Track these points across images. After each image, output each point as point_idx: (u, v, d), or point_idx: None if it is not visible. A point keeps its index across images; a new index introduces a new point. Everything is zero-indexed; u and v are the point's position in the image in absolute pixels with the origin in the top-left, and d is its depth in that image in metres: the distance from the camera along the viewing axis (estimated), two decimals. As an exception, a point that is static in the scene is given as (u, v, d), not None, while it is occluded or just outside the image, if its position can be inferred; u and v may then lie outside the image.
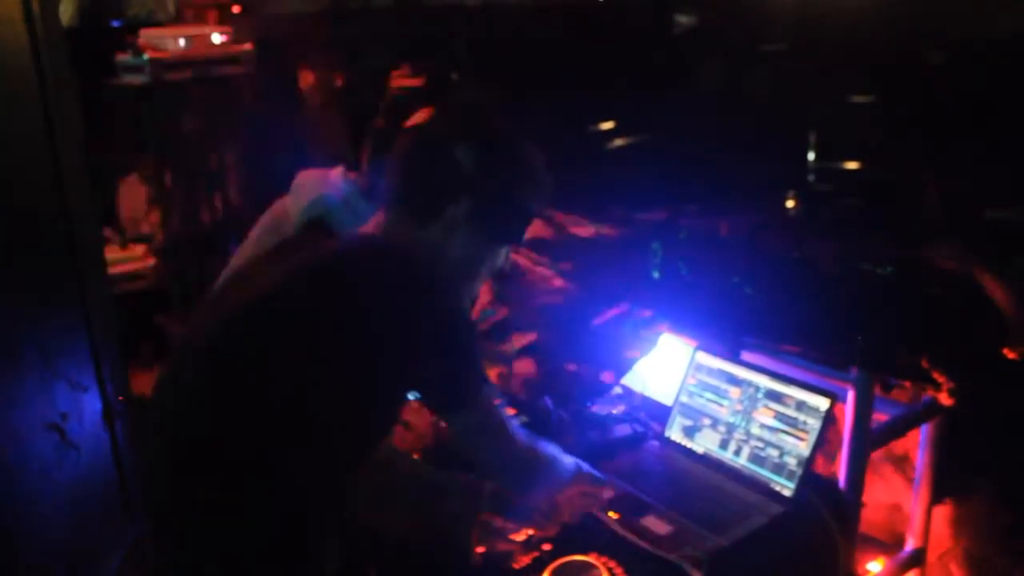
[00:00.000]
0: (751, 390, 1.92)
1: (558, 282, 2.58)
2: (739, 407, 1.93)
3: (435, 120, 1.58)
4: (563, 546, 1.62)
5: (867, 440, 1.93)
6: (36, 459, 0.76)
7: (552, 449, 1.68)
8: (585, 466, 1.74)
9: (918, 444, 2.21)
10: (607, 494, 1.74)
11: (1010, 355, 2.10)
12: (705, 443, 1.96)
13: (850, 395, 1.90)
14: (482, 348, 1.52)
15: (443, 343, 1.39)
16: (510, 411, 2.07)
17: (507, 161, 1.49)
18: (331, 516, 1.41)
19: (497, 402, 1.54)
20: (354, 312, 1.33)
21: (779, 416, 1.85)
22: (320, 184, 1.99)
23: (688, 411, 2.02)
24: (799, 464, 1.78)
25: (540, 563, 1.59)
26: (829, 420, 1.79)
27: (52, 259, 0.86)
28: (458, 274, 1.50)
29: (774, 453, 1.83)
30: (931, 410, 2.11)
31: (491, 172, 1.46)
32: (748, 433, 1.89)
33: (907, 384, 2.10)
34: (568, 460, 1.71)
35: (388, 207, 1.50)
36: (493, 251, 1.54)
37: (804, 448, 1.78)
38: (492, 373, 2.12)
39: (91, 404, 0.86)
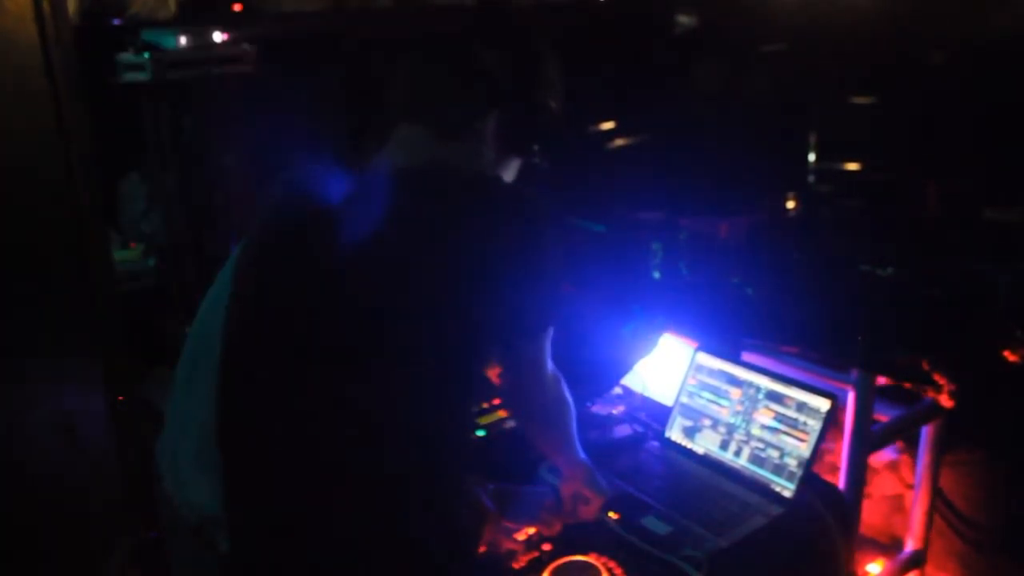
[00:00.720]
0: (751, 391, 1.92)
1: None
2: (739, 408, 1.93)
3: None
4: (563, 546, 1.62)
5: (867, 440, 1.93)
6: (43, 458, 0.77)
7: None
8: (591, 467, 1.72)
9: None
10: (603, 503, 1.70)
11: (1011, 357, 2.10)
12: (705, 444, 1.96)
13: (850, 396, 1.90)
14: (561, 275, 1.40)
15: (529, 260, 1.29)
16: (503, 413, 2.09)
17: (531, 60, 1.41)
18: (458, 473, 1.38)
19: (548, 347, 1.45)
20: (439, 247, 1.23)
21: (779, 417, 1.85)
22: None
23: (688, 412, 2.03)
24: (799, 465, 1.78)
25: (540, 563, 1.59)
26: (829, 421, 1.79)
27: (61, 258, 0.86)
28: None
29: (774, 454, 1.83)
30: (931, 411, 2.11)
31: (517, 74, 1.38)
32: (748, 434, 1.89)
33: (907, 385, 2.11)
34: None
35: (402, 128, 1.38)
36: (516, 161, 1.47)
37: (804, 449, 1.79)
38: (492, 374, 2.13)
39: (96, 404, 0.87)
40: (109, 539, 0.90)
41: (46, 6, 0.81)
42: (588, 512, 1.67)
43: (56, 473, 0.77)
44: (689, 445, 1.99)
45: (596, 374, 2.28)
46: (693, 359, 2.07)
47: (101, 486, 0.90)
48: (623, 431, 2.08)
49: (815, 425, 1.79)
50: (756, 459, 1.86)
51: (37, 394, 0.75)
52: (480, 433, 2.01)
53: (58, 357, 0.79)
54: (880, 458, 2.42)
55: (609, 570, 1.56)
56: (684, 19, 4.09)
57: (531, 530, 1.63)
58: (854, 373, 1.92)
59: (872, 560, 2.20)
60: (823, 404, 1.80)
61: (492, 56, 1.37)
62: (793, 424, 1.82)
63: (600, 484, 1.69)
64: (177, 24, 3.95)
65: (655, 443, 2.04)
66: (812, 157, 3.61)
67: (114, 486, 0.93)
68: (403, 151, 1.37)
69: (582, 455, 1.67)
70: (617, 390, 2.29)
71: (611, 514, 1.72)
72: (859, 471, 1.94)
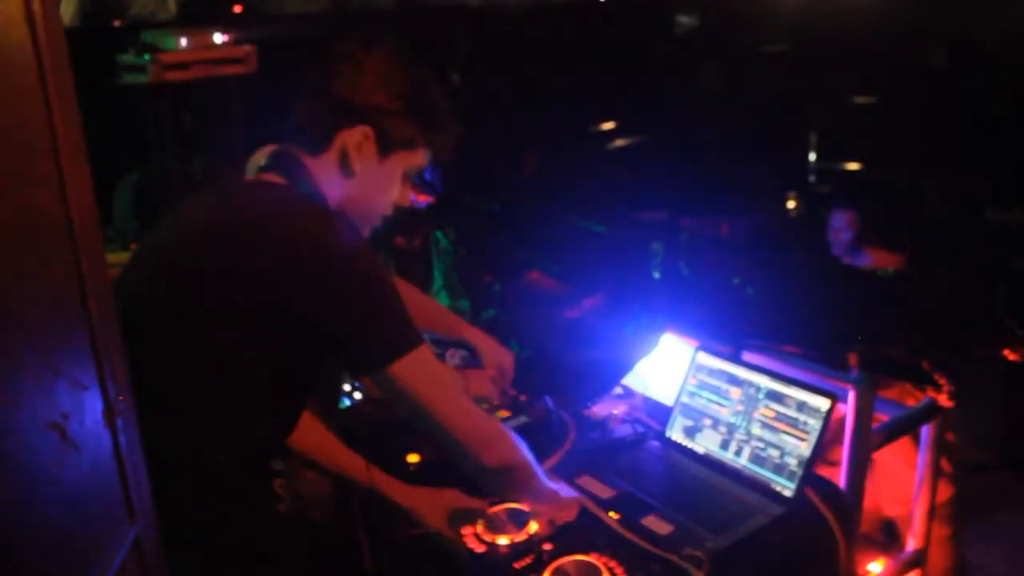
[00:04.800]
0: (752, 390, 1.92)
1: (559, 284, 2.58)
2: (740, 407, 1.93)
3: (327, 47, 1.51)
4: (563, 546, 1.62)
5: (867, 440, 1.93)
6: (37, 458, 0.77)
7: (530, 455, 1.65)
8: (565, 491, 1.72)
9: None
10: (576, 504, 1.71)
11: (1010, 356, 2.10)
12: (706, 443, 1.96)
13: (850, 395, 1.90)
14: (395, 295, 1.40)
15: (346, 291, 1.33)
16: (504, 413, 2.09)
17: (393, 75, 1.45)
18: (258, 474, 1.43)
19: (431, 355, 1.43)
20: (244, 269, 1.32)
21: (780, 416, 1.85)
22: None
23: (689, 411, 2.02)
24: (800, 464, 1.78)
25: (540, 563, 1.59)
26: (830, 420, 1.79)
27: (54, 258, 0.86)
28: (352, 203, 1.47)
29: (775, 453, 1.83)
30: (931, 411, 2.11)
31: (379, 88, 1.43)
32: (749, 433, 1.89)
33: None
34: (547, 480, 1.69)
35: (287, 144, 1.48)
36: (389, 170, 1.49)
37: (805, 448, 1.78)
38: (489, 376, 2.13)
39: (92, 403, 0.87)
40: (108, 538, 0.90)
41: (37, 7, 0.80)
42: (566, 516, 1.68)
43: (52, 472, 0.77)
44: (689, 445, 1.99)
45: (596, 374, 2.28)
46: (693, 359, 2.07)
47: (101, 485, 0.90)
48: (623, 431, 2.07)
49: (815, 424, 1.79)
50: (756, 459, 1.86)
51: (32, 394, 0.75)
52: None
53: (50, 356, 0.79)
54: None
55: (610, 570, 1.56)
56: (684, 19, 4.09)
57: (531, 530, 1.63)
58: (854, 373, 1.92)
59: (872, 560, 2.20)
60: (823, 403, 1.79)
61: (357, 72, 1.43)
62: (793, 423, 1.82)
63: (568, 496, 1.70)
64: (177, 25, 3.95)
65: (655, 443, 2.04)
66: (812, 157, 3.61)
67: (112, 485, 0.93)
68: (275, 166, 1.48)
69: (540, 473, 1.67)
70: (617, 390, 2.29)
71: (611, 514, 1.72)
72: (859, 471, 1.93)
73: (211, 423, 1.35)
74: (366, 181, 1.46)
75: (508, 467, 1.59)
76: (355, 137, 1.43)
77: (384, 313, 1.36)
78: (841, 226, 2.92)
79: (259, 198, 1.43)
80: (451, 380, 1.54)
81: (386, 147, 1.46)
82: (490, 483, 1.63)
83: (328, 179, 1.45)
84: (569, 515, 1.68)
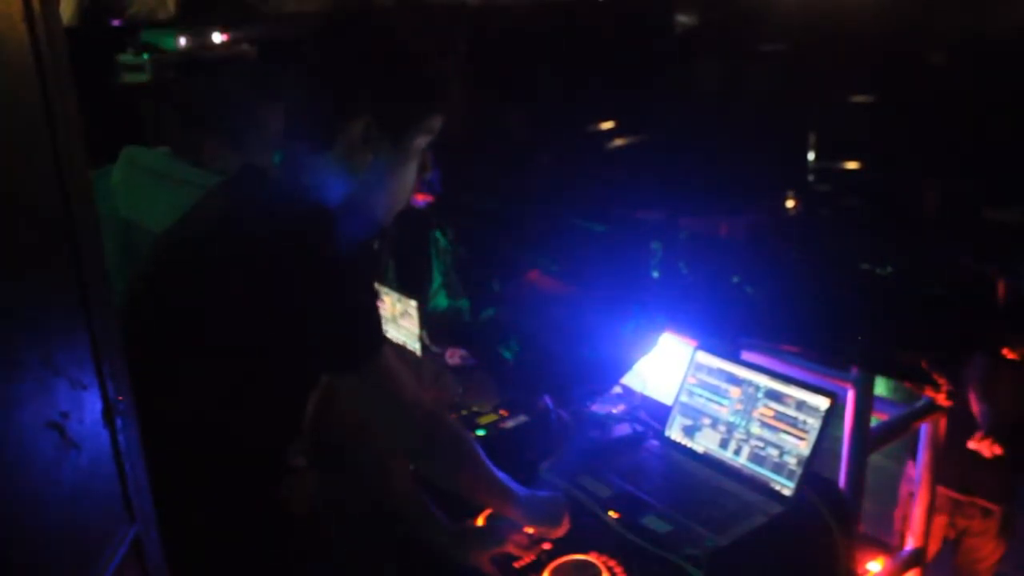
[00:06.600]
0: (751, 389, 1.92)
1: (559, 284, 2.58)
2: (739, 406, 1.93)
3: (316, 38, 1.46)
4: (563, 546, 1.62)
5: (867, 440, 1.93)
6: (36, 458, 0.76)
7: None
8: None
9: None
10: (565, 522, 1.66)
11: (1010, 356, 2.10)
12: (705, 442, 1.96)
13: (850, 395, 1.90)
14: (373, 299, 1.41)
15: (325, 289, 1.31)
16: (504, 412, 2.09)
17: (394, 57, 1.40)
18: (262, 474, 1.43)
19: (393, 365, 1.41)
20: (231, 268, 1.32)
21: (779, 415, 1.85)
22: None
23: (688, 410, 2.02)
24: (799, 464, 1.78)
25: (540, 563, 1.59)
26: (829, 420, 1.79)
27: (53, 257, 0.86)
28: (372, 192, 1.43)
29: (774, 453, 1.83)
30: (930, 410, 2.11)
31: (379, 73, 1.38)
32: (748, 432, 1.89)
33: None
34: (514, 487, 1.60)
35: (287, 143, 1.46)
36: (404, 152, 1.45)
37: (804, 448, 1.78)
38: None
39: (92, 402, 0.87)
40: (108, 538, 0.90)
41: (36, 6, 0.80)
42: (558, 532, 1.65)
43: (52, 472, 0.77)
44: (689, 444, 1.99)
45: (596, 373, 2.28)
46: (693, 358, 2.07)
47: (101, 485, 0.90)
48: (623, 430, 2.07)
49: (815, 424, 1.79)
50: (756, 458, 1.86)
51: (32, 393, 0.75)
52: (480, 433, 2.01)
53: (49, 355, 0.79)
54: None
55: (609, 569, 1.56)
56: (684, 19, 4.09)
57: (531, 530, 1.63)
58: (854, 372, 1.92)
59: (872, 558, 2.20)
60: (823, 403, 1.79)
61: (354, 61, 1.39)
62: (793, 423, 1.82)
63: (542, 517, 1.63)
64: (176, 25, 3.95)
65: (655, 442, 2.04)
66: (812, 157, 3.61)
67: (111, 484, 0.93)
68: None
69: (514, 496, 1.58)
70: (617, 389, 2.29)
71: (611, 513, 1.72)
72: (859, 470, 1.93)
73: (222, 422, 1.36)
74: (384, 167, 1.43)
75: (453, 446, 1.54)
76: (361, 126, 1.38)
77: (373, 307, 1.39)
78: None
79: (259, 195, 1.43)
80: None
81: (396, 129, 1.41)
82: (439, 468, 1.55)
83: (340, 172, 1.41)
84: (558, 531, 1.64)
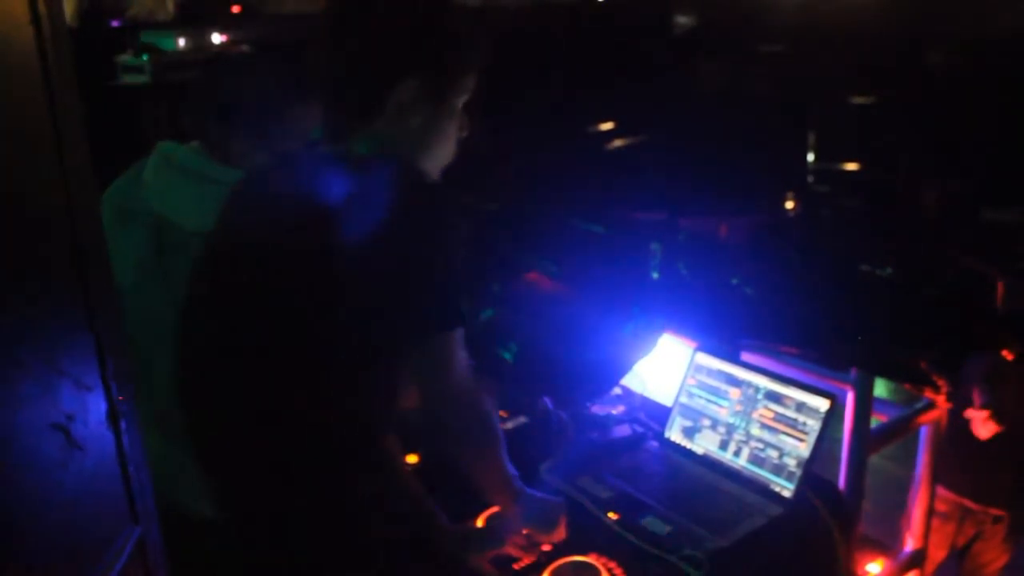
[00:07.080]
0: (751, 391, 1.93)
1: (559, 286, 2.58)
2: (739, 408, 1.94)
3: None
4: (563, 546, 1.62)
5: (867, 441, 1.93)
6: (40, 459, 0.77)
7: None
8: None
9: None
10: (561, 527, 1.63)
11: (1008, 356, 2.11)
12: (705, 444, 1.97)
13: (849, 396, 1.91)
14: (461, 271, 1.40)
15: (417, 255, 1.30)
16: (503, 413, 2.09)
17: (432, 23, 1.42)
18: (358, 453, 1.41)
19: (461, 350, 1.41)
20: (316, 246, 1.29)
21: (779, 417, 1.85)
22: None
23: (688, 412, 2.03)
24: (799, 465, 1.78)
25: (540, 563, 1.59)
26: (829, 421, 1.80)
27: (56, 258, 0.86)
28: (420, 155, 1.44)
29: (774, 454, 1.84)
30: (930, 411, 2.11)
31: (425, 38, 1.40)
32: (748, 434, 1.90)
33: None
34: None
35: (322, 111, 1.45)
36: (448, 111, 1.46)
37: (804, 449, 1.79)
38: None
39: (96, 404, 0.87)
40: (112, 539, 0.90)
41: (42, 7, 0.80)
42: (555, 537, 1.62)
43: (57, 473, 0.77)
44: (689, 445, 1.99)
45: (596, 374, 2.28)
46: (692, 359, 2.07)
47: (105, 486, 0.90)
48: (623, 431, 2.08)
49: (814, 425, 1.79)
50: (755, 459, 1.86)
51: (37, 395, 0.75)
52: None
53: (53, 357, 0.79)
54: None
55: (609, 570, 1.56)
56: (684, 19, 4.09)
57: (526, 531, 1.63)
58: (853, 373, 1.92)
59: (872, 560, 2.20)
60: (822, 404, 1.80)
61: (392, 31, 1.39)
62: (792, 424, 1.83)
63: (539, 519, 1.60)
64: (176, 26, 3.95)
65: (655, 443, 2.04)
66: (812, 157, 3.61)
67: (115, 486, 0.93)
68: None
69: (518, 491, 1.56)
70: (617, 390, 2.29)
71: (611, 515, 1.72)
72: (859, 471, 1.94)
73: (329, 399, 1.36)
74: (430, 128, 1.44)
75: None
76: (407, 91, 1.39)
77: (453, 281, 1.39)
78: None
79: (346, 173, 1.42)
80: None
81: (440, 88, 1.43)
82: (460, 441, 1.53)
83: (389, 139, 1.42)
84: (558, 535, 1.62)
